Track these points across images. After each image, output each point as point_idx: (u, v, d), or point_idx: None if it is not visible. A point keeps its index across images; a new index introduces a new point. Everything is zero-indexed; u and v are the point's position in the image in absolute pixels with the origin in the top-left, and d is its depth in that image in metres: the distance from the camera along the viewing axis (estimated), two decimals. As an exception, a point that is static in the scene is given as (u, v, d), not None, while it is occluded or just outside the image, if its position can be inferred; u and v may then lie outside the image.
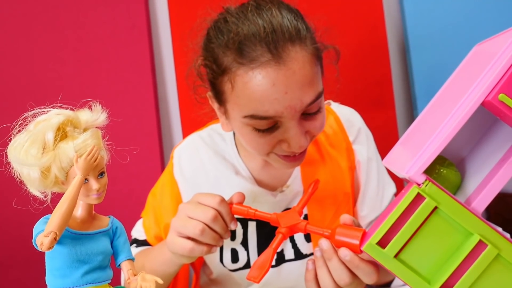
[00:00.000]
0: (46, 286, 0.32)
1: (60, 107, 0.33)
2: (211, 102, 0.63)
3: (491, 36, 0.50)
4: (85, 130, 0.33)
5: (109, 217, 0.35)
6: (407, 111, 1.12)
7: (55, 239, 0.28)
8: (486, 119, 0.49)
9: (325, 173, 0.67)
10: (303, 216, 0.66)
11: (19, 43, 1.02)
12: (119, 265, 0.34)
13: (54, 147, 0.31)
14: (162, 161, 1.05)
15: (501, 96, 0.38)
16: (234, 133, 0.71)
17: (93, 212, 0.34)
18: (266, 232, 0.67)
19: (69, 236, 0.31)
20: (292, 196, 0.68)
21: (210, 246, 0.54)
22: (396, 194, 0.71)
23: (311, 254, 0.67)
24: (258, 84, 0.51)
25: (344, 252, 0.44)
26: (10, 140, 0.32)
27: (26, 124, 0.32)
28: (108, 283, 0.33)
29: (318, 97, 0.54)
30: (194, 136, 0.73)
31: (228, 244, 0.67)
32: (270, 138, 0.55)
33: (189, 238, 0.53)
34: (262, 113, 0.52)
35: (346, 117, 0.72)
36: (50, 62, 1.02)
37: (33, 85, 1.01)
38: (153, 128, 1.03)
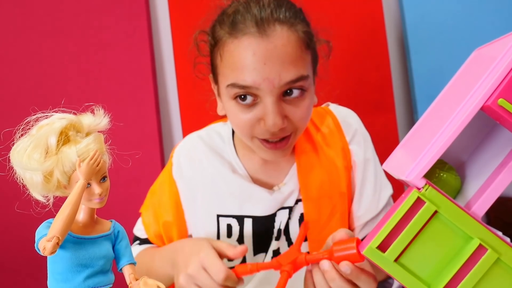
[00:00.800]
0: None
1: (63, 111, 0.33)
2: (212, 86, 0.67)
3: (492, 39, 0.50)
4: (87, 134, 0.33)
5: (111, 221, 0.35)
6: (407, 114, 1.12)
7: (57, 243, 0.28)
8: (486, 123, 0.49)
9: (321, 172, 0.68)
10: (299, 215, 0.68)
11: (21, 48, 1.02)
12: (121, 269, 0.34)
13: (57, 152, 0.31)
14: (162, 164, 1.05)
15: (501, 101, 0.38)
16: (232, 133, 0.72)
17: (95, 216, 0.34)
18: (262, 229, 0.68)
19: (71, 240, 0.31)
20: (288, 194, 0.68)
21: None
22: (392, 196, 0.71)
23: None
24: (240, 52, 0.56)
25: (345, 267, 0.46)
26: (13, 144, 0.32)
27: (29, 129, 0.33)
28: (110, 287, 0.34)
29: (299, 78, 0.57)
30: (192, 136, 0.75)
31: (225, 241, 0.68)
32: (251, 115, 0.58)
33: None
34: (241, 82, 0.56)
35: (343, 118, 0.72)
36: (52, 66, 1.03)
37: (36, 89, 1.01)
38: (153, 131, 1.03)
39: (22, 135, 0.32)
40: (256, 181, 0.70)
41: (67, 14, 1.03)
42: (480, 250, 0.38)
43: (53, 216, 0.32)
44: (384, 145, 1.02)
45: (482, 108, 0.39)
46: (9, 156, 0.32)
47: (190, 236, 0.72)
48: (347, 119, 0.72)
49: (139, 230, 0.74)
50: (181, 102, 1.06)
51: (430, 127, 0.45)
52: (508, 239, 0.40)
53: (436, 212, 0.39)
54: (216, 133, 0.74)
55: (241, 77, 0.56)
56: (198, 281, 0.54)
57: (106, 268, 0.33)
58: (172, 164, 0.73)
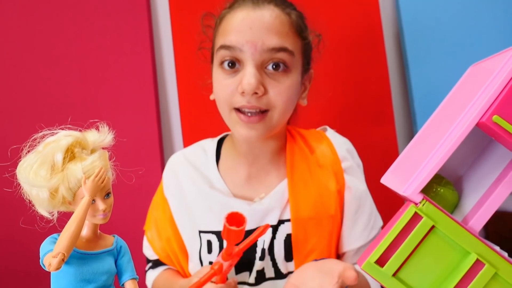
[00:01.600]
0: (52, 304, 0.33)
1: (69, 128, 0.34)
2: (212, 74, 0.68)
3: (490, 53, 0.51)
4: (92, 150, 0.34)
5: (114, 236, 0.36)
6: (406, 126, 1.13)
7: (63, 260, 0.28)
8: (483, 138, 0.50)
9: (313, 193, 0.67)
10: (285, 236, 0.66)
11: (25, 64, 1.04)
12: (123, 284, 0.35)
13: (63, 168, 0.32)
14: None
15: (495, 118, 0.39)
16: (217, 150, 0.74)
17: (98, 231, 0.35)
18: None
19: (75, 255, 0.32)
20: (269, 208, 0.67)
21: None
22: (382, 227, 0.71)
23: (291, 272, 0.66)
24: (232, 19, 0.61)
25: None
26: (20, 161, 0.33)
27: (36, 145, 0.33)
28: (112, 302, 0.34)
29: (282, 49, 0.60)
30: (178, 154, 0.77)
31: (206, 258, 0.69)
32: (232, 80, 0.61)
33: None
34: (228, 42, 0.60)
35: (340, 145, 0.72)
36: (53, 81, 1.04)
37: (40, 104, 1.02)
38: (154, 144, 1.04)
39: (28, 151, 0.33)
40: (237, 196, 0.69)
41: (69, 28, 1.05)
42: (477, 265, 0.39)
43: (57, 231, 0.33)
44: (384, 157, 1.04)
45: (477, 125, 0.40)
46: (15, 173, 0.33)
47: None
48: (344, 146, 0.72)
49: (147, 248, 0.75)
50: (182, 114, 1.07)
51: (427, 142, 0.46)
52: (505, 254, 0.41)
53: (433, 227, 0.39)
54: (202, 149, 0.75)
55: (228, 38, 0.60)
56: None
57: (108, 283, 0.34)
58: (163, 184, 0.75)
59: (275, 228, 0.67)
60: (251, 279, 0.67)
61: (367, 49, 1.07)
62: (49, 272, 0.33)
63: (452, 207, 0.46)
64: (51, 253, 0.29)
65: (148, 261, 0.76)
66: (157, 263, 0.74)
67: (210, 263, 0.68)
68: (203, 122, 1.04)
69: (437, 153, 0.41)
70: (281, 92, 0.61)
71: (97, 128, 0.36)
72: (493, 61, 0.48)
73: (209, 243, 0.68)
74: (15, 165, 0.33)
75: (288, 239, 0.66)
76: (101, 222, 0.33)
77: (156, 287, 0.72)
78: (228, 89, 0.61)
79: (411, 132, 1.12)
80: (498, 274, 0.39)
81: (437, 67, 1.07)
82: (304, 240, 0.65)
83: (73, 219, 0.30)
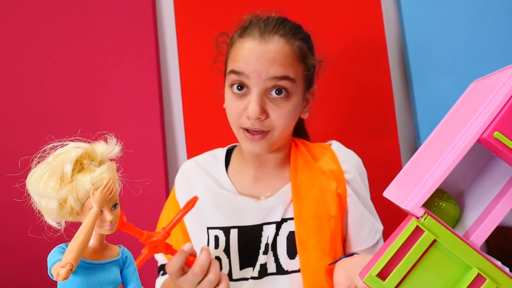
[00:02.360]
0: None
1: (78, 140, 0.35)
2: (225, 88, 0.75)
3: (493, 69, 0.52)
4: (100, 162, 0.35)
5: (119, 247, 0.36)
6: (410, 140, 1.13)
7: (71, 270, 0.29)
8: (485, 153, 0.50)
9: (315, 195, 0.73)
10: (287, 233, 0.72)
11: (36, 77, 1.05)
12: (128, 293, 0.35)
13: (72, 179, 0.33)
14: (167, 188, 1.07)
15: (496, 134, 0.39)
16: (227, 156, 0.81)
17: (104, 241, 0.36)
18: (248, 241, 0.72)
19: (82, 265, 0.33)
20: (274, 206, 0.73)
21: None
22: (384, 240, 0.74)
23: (293, 271, 0.71)
24: (241, 49, 0.69)
25: None
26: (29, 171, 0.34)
27: (45, 156, 0.34)
28: (117, 311, 0.34)
29: (284, 77, 0.67)
30: (190, 161, 0.84)
31: (212, 253, 0.71)
32: (240, 103, 0.69)
33: None
34: (237, 68, 0.68)
35: (344, 157, 0.78)
36: (61, 92, 1.06)
37: (50, 116, 1.04)
38: (159, 155, 1.05)
39: (38, 162, 0.34)
40: (244, 194, 0.76)
41: (73, 34, 1.06)
42: (478, 279, 0.39)
43: (64, 241, 0.34)
44: (387, 170, 1.04)
45: (478, 140, 0.41)
46: (25, 183, 0.33)
47: None
48: (348, 158, 0.78)
49: (159, 254, 0.78)
50: (186, 124, 1.08)
51: (429, 157, 0.47)
52: (507, 269, 0.41)
53: (435, 241, 0.40)
54: (212, 155, 0.83)
55: (237, 65, 0.69)
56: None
57: (114, 293, 0.34)
58: (175, 188, 0.80)
59: (278, 226, 0.72)
60: (255, 273, 0.71)
61: (370, 62, 1.08)
62: (56, 282, 0.34)
63: (454, 222, 0.46)
64: (59, 263, 0.29)
65: (159, 269, 0.79)
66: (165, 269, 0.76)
67: (217, 257, 0.72)
68: (207, 132, 1.05)
69: (439, 168, 0.42)
70: (281, 116, 0.69)
71: (105, 140, 0.37)
72: (495, 78, 0.48)
73: (216, 238, 0.73)
74: (25, 175, 0.34)
75: (290, 236, 0.72)
76: (108, 232, 0.34)
77: None
78: (236, 111, 0.70)
79: (414, 145, 1.13)
80: (500, 289, 0.39)
81: (440, 81, 1.08)
82: (306, 237, 0.70)
83: (82, 230, 0.31)
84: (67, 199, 0.33)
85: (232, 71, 0.69)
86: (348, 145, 1.07)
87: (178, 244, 0.74)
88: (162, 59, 1.10)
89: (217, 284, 0.60)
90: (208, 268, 0.59)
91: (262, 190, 0.76)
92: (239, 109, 0.69)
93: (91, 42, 1.06)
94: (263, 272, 0.72)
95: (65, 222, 0.35)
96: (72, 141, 0.35)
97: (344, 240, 0.76)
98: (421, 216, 0.40)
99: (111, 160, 0.37)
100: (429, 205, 0.46)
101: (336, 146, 0.80)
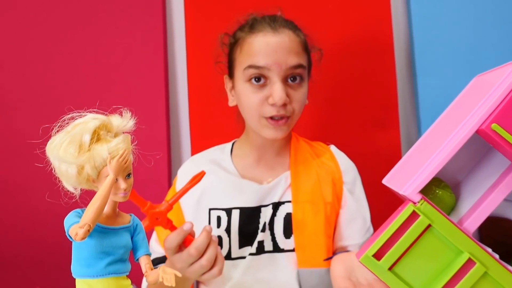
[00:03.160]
0: (72, 273, 0.36)
1: (96, 112, 0.37)
2: (226, 83, 0.81)
3: (495, 65, 0.53)
4: (115, 134, 0.37)
5: (130, 215, 0.39)
6: (411, 133, 1.15)
7: (88, 230, 0.31)
8: (482, 146, 0.52)
9: (312, 182, 0.77)
10: (284, 214, 0.76)
11: (57, 57, 1.08)
12: (138, 259, 0.38)
13: (89, 148, 0.35)
14: (169, 169, 1.08)
15: (494, 126, 0.41)
16: (232, 147, 0.84)
17: (117, 209, 0.38)
18: (248, 221, 0.75)
19: (96, 229, 0.35)
20: (275, 189, 0.77)
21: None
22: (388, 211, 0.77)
23: (288, 250, 0.75)
24: (257, 43, 0.72)
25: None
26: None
27: (64, 126, 0.36)
28: (127, 275, 0.37)
29: (299, 66, 0.73)
30: (195, 156, 0.87)
31: (214, 231, 0.75)
32: (261, 94, 0.72)
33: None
34: (256, 63, 0.71)
35: (342, 160, 0.82)
36: (77, 72, 1.08)
37: (68, 90, 1.06)
38: (162, 140, 1.07)
39: (58, 131, 0.36)
40: (246, 178, 0.79)
41: (84, 24, 1.08)
42: (469, 263, 0.41)
43: (79, 206, 0.36)
44: (387, 162, 1.05)
45: (477, 132, 0.42)
46: (45, 149, 0.35)
47: None
48: (345, 161, 0.82)
49: (154, 252, 0.78)
50: (192, 118, 1.09)
51: (429, 146, 0.48)
52: (497, 256, 0.43)
53: (429, 225, 0.42)
54: (218, 148, 0.86)
55: (256, 59, 0.71)
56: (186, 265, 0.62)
57: (125, 257, 0.36)
58: (176, 180, 0.82)
59: (276, 207, 0.77)
60: (253, 249, 0.75)
61: (377, 56, 1.09)
62: (70, 245, 0.36)
63: (449, 209, 0.48)
64: (77, 224, 0.31)
65: (157, 262, 0.79)
66: (164, 261, 0.77)
67: (218, 236, 0.75)
68: (211, 126, 1.07)
69: (437, 157, 0.44)
70: (299, 100, 0.74)
71: (121, 114, 0.38)
72: (496, 73, 0.50)
73: (219, 219, 0.76)
74: (45, 143, 0.36)
75: (287, 217, 0.76)
76: (121, 200, 0.36)
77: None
78: (258, 102, 0.73)
79: (416, 138, 1.14)
80: (488, 273, 0.41)
81: (445, 77, 1.09)
82: (302, 219, 0.75)
83: (99, 195, 0.33)
84: (84, 167, 0.34)
85: (251, 66, 0.72)
86: (349, 137, 1.08)
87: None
88: (170, 51, 1.12)
89: (210, 269, 0.61)
90: (204, 252, 0.61)
91: (264, 176, 0.80)
92: (260, 99, 0.72)
93: (100, 35, 1.08)
94: (261, 249, 0.75)
95: (80, 189, 0.37)
96: (90, 112, 0.37)
97: (334, 231, 0.78)
98: (418, 202, 0.42)
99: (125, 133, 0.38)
100: (426, 192, 0.47)
101: (334, 149, 0.84)
